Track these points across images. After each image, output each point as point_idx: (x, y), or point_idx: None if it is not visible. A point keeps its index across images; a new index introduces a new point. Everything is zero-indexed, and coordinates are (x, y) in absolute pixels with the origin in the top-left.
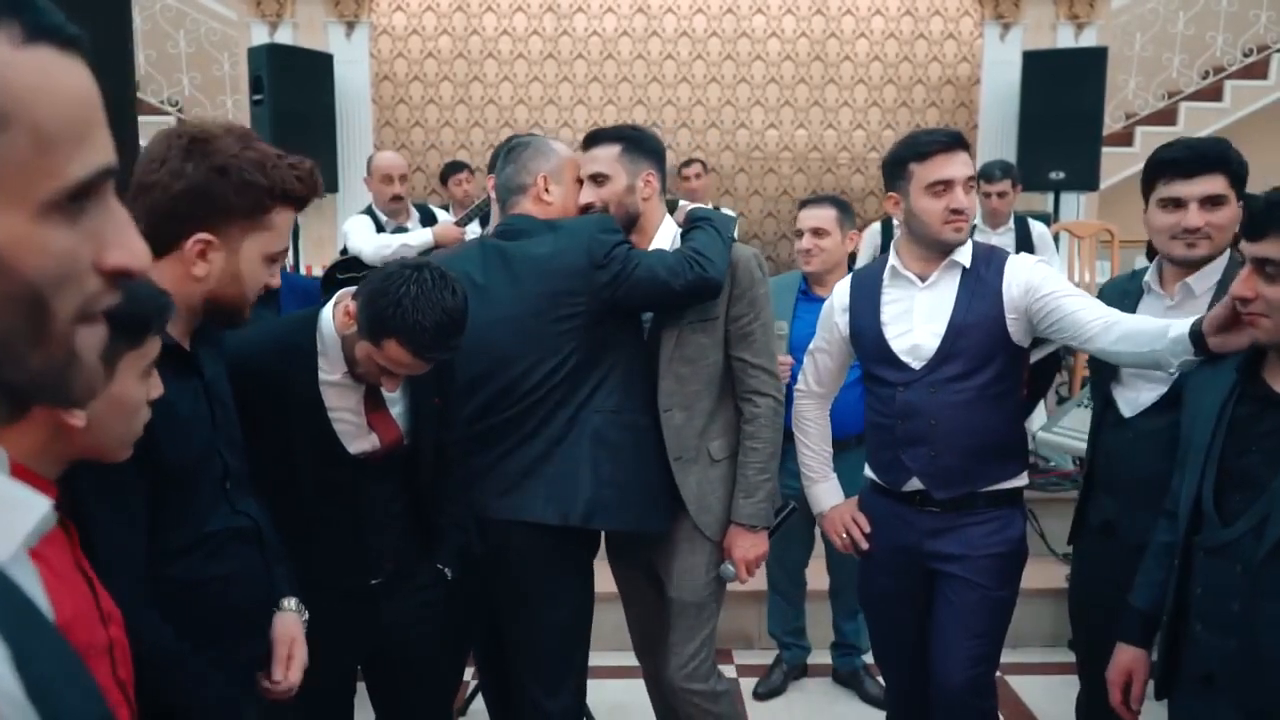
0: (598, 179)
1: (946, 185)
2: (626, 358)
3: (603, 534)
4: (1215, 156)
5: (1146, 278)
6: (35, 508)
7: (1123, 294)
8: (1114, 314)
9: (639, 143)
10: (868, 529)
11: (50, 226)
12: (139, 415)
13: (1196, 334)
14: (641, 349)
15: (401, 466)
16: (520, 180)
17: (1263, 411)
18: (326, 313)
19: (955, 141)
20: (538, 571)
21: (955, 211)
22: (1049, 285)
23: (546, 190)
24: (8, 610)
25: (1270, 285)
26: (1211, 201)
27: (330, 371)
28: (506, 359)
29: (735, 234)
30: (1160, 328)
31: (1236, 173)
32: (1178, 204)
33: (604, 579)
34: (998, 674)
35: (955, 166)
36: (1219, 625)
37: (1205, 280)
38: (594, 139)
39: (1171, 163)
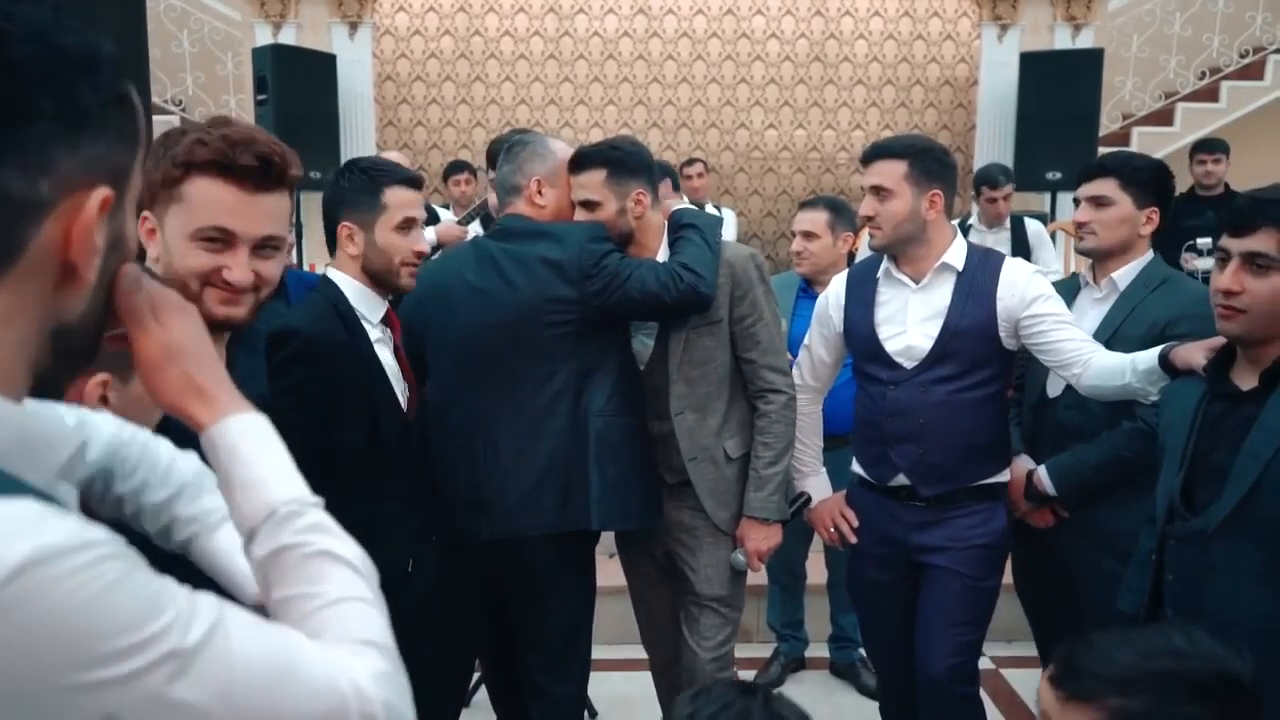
0: (588, 205)
1: (871, 190)
2: (618, 362)
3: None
4: (1108, 164)
5: (1082, 271)
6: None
7: (1067, 291)
8: (1092, 348)
9: (624, 163)
10: (855, 523)
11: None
12: (155, 414)
13: (1164, 359)
14: (630, 353)
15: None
16: (515, 181)
17: (1232, 408)
18: (338, 277)
19: (869, 155)
20: (545, 571)
21: (867, 218)
22: (1040, 307)
23: (539, 193)
24: None
25: (1259, 279)
26: (1096, 202)
27: (371, 329)
28: (502, 361)
29: (735, 234)
30: (1125, 363)
31: (1131, 176)
32: (1079, 203)
33: (606, 574)
34: (994, 667)
35: (868, 177)
36: (1190, 610)
37: (1128, 276)
38: (580, 163)
39: (1084, 170)
